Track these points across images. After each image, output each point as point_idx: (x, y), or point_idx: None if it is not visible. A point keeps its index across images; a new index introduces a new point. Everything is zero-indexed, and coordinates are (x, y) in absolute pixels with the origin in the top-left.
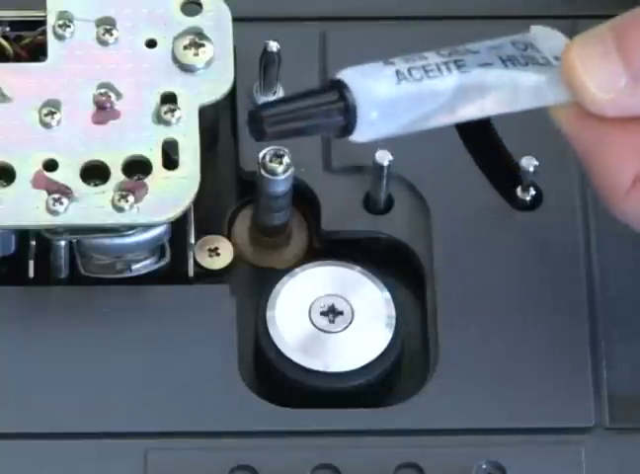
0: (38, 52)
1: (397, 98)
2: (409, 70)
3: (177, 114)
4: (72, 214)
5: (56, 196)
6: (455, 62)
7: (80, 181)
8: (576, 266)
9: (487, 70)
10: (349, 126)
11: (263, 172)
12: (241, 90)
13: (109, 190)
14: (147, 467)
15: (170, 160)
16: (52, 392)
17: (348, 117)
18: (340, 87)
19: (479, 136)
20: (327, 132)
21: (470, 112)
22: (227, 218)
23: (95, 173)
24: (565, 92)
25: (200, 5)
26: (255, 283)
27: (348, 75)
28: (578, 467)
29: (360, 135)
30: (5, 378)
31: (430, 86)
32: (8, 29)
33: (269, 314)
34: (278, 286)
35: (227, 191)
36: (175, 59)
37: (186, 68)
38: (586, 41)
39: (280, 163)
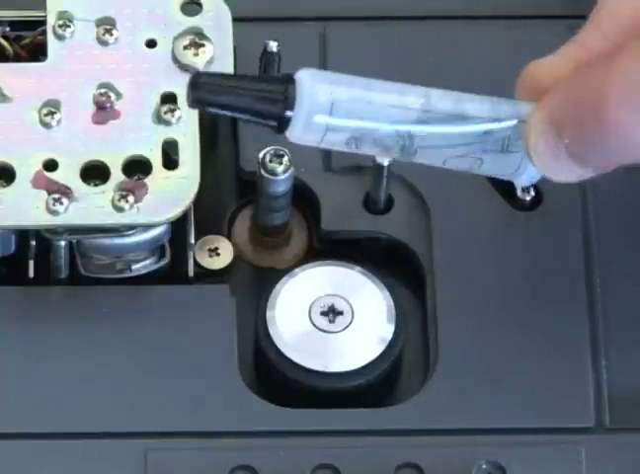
0: (38, 52)
1: (346, 112)
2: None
3: (177, 114)
4: (72, 214)
5: (56, 196)
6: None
7: (80, 181)
8: (576, 266)
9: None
10: (283, 121)
11: (263, 172)
12: None
13: (109, 190)
14: (147, 467)
15: (170, 160)
16: (52, 392)
17: (283, 110)
18: (288, 81)
19: None
20: (261, 118)
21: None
22: (227, 218)
23: (95, 173)
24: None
25: (200, 5)
26: (255, 283)
27: (304, 74)
28: (578, 467)
29: (294, 135)
30: (5, 378)
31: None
32: (8, 29)
33: (269, 314)
34: (278, 286)
35: (227, 191)
36: (175, 59)
37: (186, 68)
38: (536, 142)
39: (280, 163)
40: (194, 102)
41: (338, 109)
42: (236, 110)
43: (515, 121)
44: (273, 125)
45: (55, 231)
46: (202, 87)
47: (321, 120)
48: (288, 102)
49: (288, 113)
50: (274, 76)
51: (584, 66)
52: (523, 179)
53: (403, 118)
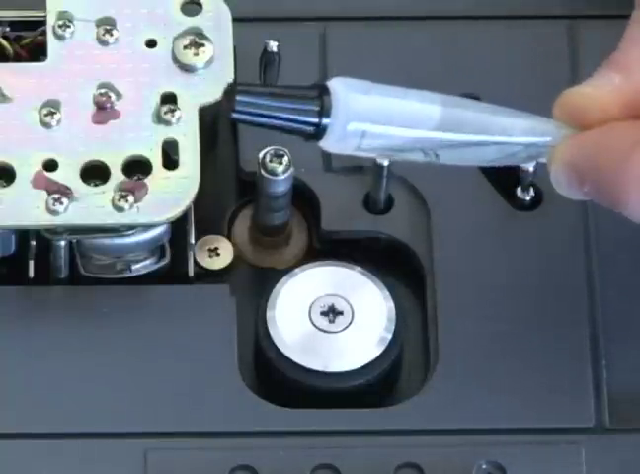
0: (38, 52)
1: (379, 116)
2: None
3: (177, 114)
4: (72, 214)
5: (56, 196)
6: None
7: (80, 181)
8: (576, 266)
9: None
10: (319, 131)
11: (263, 172)
12: None
13: (109, 190)
14: (147, 467)
15: (170, 160)
16: (52, 392)
17: (320, 120)
18: (322, 90)
19: None
20: (297, 131)
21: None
22: (227, 218)
23: (95, 173)
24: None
25: (200, 5)
26: (255, 283)
27: (336, 82)
28: (578, 467)
29: (329, 144)
30: (5, 378)
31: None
32: (8, 29)
33: (269, 314)
34: (278, 286)
35: (227, 191)
36: (175, 59)
37: (186, 68)
38: (557, 173)
39: (280, 163)
40: (229, 115)
41: (371, 117)
42: (272, 121)
43: (547, 139)
44: (308, 135)
45: (55, 231)
46: (238, 100)
47: (355, 128)
48: (324, 111)
49: (325, 122)
50: (307, 86)
51: (615, 124)
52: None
53: (435, 145)
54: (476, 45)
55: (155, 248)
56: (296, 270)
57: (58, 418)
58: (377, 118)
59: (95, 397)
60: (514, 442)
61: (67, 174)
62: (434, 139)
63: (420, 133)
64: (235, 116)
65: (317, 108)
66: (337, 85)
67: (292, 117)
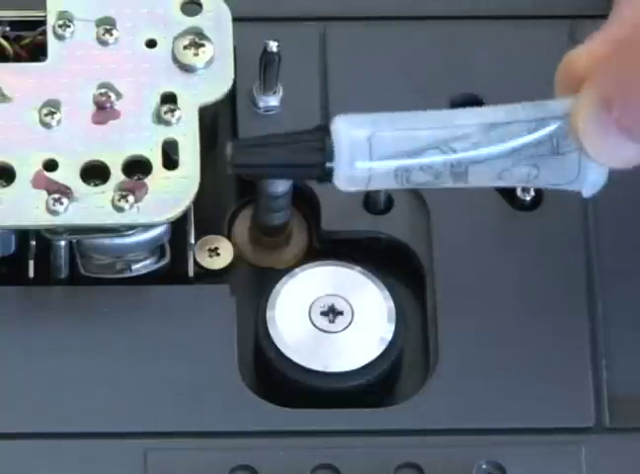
0: (38, 52)
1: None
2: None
3: (177, 114)
4: (72, 214)
5: (56, 196)
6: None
7: (80, 181)
8: (576, 266)
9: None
10: (326, 171)
11: None
12: (241, 90)
13: (109, 190)
14: (147, 467)
15: (170, 160)
16: (52, 392)
17: (323, 159)
18: (323, 131)
19: None
20: (304, 175)
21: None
22: (227, 218)
23: (95, 173)
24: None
25: (200, 5)
26: (255, 283)
27: (337, 122)
28: (578, 467)
29: (341, 184)
30: (5, 378)
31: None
32: (8, 29)
33: (269, 314)
34: (278, 286)
35: (227, 191)
36: (175, 59)
37: (186, 68)
38: (586, 125)
39: None
40: (235, 170)
41: (377, 146)
42: (277, 171)
43: (559, 121)
44: (317, 179)
45: (55, 231)
46: (242, 154)
47: (363, 166)
48: (327, 154)
49: (329, 165)
50: (309, 130)
51: (628, 42)
52: (587, 188)
53: (449, 135)
54: (476, 45)
55: (155, 248)
56: (296, 270)
57: (58, 418)
58: (385, 144)
59: (95, 397)
60: (514, 442)
61: (67, 174)
62: (452, 129)
63: (431, 159)
64: (238, 165)
65: (320, 156)
66: (339, 124)
67: (296, 164)
